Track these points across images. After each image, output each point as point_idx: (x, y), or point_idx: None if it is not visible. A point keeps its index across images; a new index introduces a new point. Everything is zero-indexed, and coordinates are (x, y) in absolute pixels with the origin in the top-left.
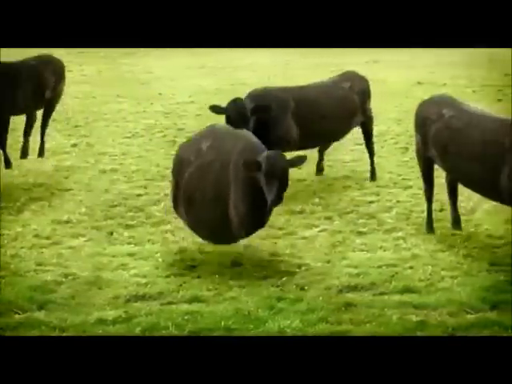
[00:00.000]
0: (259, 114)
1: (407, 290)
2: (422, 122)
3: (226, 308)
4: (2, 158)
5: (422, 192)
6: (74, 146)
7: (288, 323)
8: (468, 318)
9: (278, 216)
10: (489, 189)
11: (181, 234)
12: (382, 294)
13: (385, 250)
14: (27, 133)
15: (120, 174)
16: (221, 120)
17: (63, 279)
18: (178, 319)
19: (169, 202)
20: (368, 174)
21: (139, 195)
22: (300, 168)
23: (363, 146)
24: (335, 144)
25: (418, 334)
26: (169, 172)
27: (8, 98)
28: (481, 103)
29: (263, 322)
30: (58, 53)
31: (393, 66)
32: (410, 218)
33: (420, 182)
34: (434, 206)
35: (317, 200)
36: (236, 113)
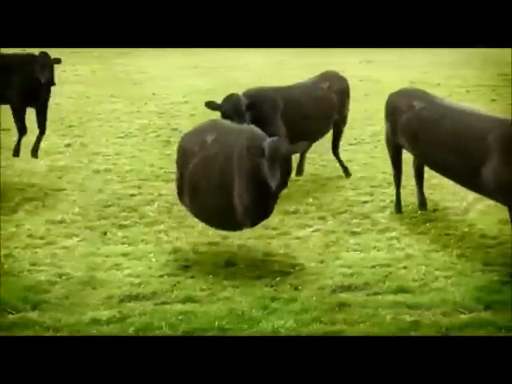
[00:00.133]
0: (254, 111)
1: (401, 290)
2: (392, 111)
3: (219, 308)
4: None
5: (415, 191)
6: (68, 145)
7: (282, 323)
8: (462, 318)
9: (271, 216)
10: (466, 179)
11: (174, 234)
12: (375, 294)
13: (378, 250)
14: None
15: (114, 174)
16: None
17: (57, 279)
18: (171, 319)
19: (162, 202)
20: (362, 174)
21: (133, 195)
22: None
23: (357, 146)
24: (328, 144)
25: (412, 334)
26: (162, 172)
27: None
28: (475, 103)
29: (257, 321)
30: (52, 53)
31: (386, 65)
32: (403, 218)
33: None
34: (428, 206)
35: (310, 200)
36: (231, 108)
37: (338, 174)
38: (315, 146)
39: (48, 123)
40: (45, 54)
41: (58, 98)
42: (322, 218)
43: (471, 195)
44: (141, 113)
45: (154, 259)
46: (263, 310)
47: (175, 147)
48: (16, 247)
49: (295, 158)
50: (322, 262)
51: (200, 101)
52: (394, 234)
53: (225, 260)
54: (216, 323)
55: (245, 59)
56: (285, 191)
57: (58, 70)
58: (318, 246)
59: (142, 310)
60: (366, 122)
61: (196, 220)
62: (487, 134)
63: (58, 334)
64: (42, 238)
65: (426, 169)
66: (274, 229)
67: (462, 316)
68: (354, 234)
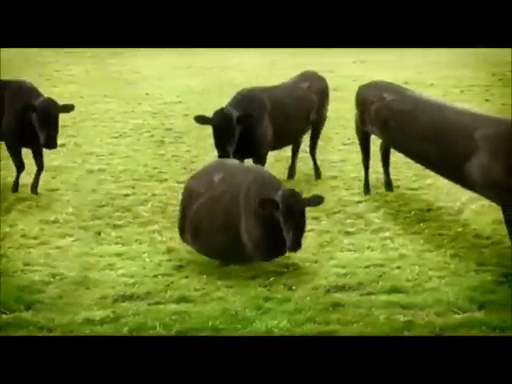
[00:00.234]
0: (244, 123)
1: (394, 290)
2: (362, 102)
3: (213, 308)
4: None
5: (409, 192)
6: (62, 146)
7: (275, 323)
8: (455, 318)
9: None
10: (448, 171)
11: (168, 234)
12: (369, 294)
13: (372, 250)
14: None
15: (107, 174)
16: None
17: (51, 279)
18: (165, 319)
19: (156, 202)
20: (355, 174)
21: (126, 195)
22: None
23: (351, 146)
24: (322, 143)
25: (406, 333)
26: (156, 172)
27: None
28: (469, 103)
29: (251, 322)
30: (46, 53)
31: (380, 66)
32: (397, 218)
33: (408, 183)
34: (422, 206)
35: None
36: (222, 123)
37: (332, 174)
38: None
39: None
40: (46, 103)
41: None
42: (316, 218)
43: (465, 195)
44: (135, 113)
45: (147, 259)
46: (257, 310)
47: (169, 147)
48: (10, 247)
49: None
50: (315, 262)
51: (194, 101)
52: (387, 234)
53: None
54: (210, 323)
55: (239, 59)
56: None
57: (51, 70)
58: (312, 246)
59: (135, 310)
60: None
61: None
62: (474, 130)
63: (52, 334)
64: (35, 237)
65: (421, 170)
66: None
67: (456, 316)
68: (347, 234)
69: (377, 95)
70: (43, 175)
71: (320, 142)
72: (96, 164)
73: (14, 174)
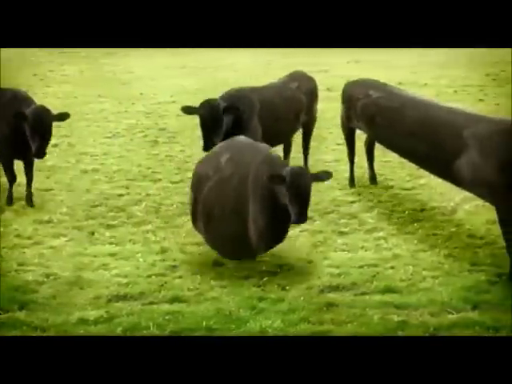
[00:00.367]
0: (231, 114)
1: (388, 290)
2: (348, 98)
3: (207, 308)
4: None
5: (403, 192)
6: (55, 146)
7: (269, 323)
8: (449, 318)
9: None
10: (437, 168)
11: (162, 234)
12: (363, 294)
13: (366, 250)
14: None
15: (101, 173)
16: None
17: (44, 279)
18: (159, 319)
19: (150, 202)
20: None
21: (120, 195)
22: None
23: (344, 146)
24: (316, 143)
25: (400, 334)
26: (150, 172)
27: None
28: (462, 103)
29: (244, 322)
30: (40, 53)
31: (374, 66)
32: (391, 217)
33: (402, 183)
34: (415, 206)
35: None
36: (208, 113)
37: None
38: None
39: None
40: (39, 112)
41: (45, 98)
42: (310, 218)
43: (459, 195)
44: (128, 113)
45: (141, 259)
46: (251, 310)
47: (163, 147)
48: (3, 247)
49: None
50: (309, 262)
51: (188, 101)
52: (381, 233)
53: (212, 260)
54: (203, 323)
55: (232, 59)
56: None
57: (45, 70)
58: (306, 246)
59: (129, 310)
60: None
61: (184, 220)
62: (462, 129)
63: (46, 334)
64: (29, 237)
65: (415, 170)
66: None
67: (450, 316)
68: (341, 234)
69: (363, 92)
70: (37, 176)
71: (314, 142)
72: (90, 164)
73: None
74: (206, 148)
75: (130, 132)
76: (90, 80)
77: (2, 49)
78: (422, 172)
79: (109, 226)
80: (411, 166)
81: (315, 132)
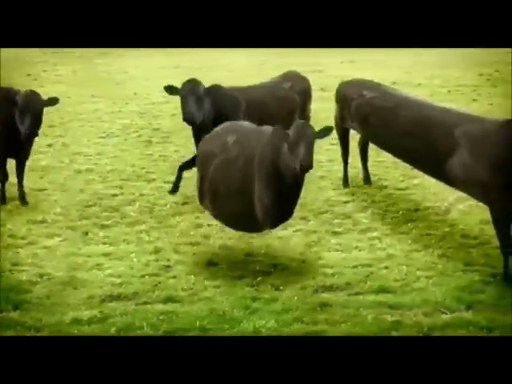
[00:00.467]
0: (213, 96)
1: (382, 290)
2: (342, 99)
3: (200, 308)
4: None
5: (397, 192)
6: (49, 146)
7: (263, 323)
8: (443, 318)
9: None
10: (430, 167)
11: (156, 234)
12: (357, 293)
13: (360, 250)
14: None
15: (95, 173)
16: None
17: (38, 279)
18: (152, 319)
19: (143, 202)
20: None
21: (114, 195)
22: None
23: (338, 146)
24: None
25: (393, 334)
26: (144, 172)
27: None
28: (456, 103)
29: (238, 321)
30: (33, 53)
31: (368, 66)
32: (385, 217)
33: (396, 183)
34: (409, 206)
35: None
36: (190, 91)
37: (319, 174)
38: None
39: None
40: (28, 95)
41: None
42: (304, 218)
43: (452, 195)
44: (122, 113)
45: (135, 259)
46: (244, 309)
47: (157, 147)
48: None
49: None
50: (303, 261)
51: None
52: (375, 234)
53: (206, 260)
54: (197, 323)
55: (227, 59)
56: None
57: (39, 70)
58: (300, 246)
59: (123, 310)
60: None
61: (177, 220)
62: (454, 128)
63: (39, 334)
64: (23, 237)
65: (409, 170)
66: None
67: (444, 316)
68: (335, 234)
69: (357, 92)
70: (30, 175)
71: None
72: (84, 164)
73: None
74: (187, 114)
75: (124, 132)
76: (84, 80)
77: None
78: (416, 172)
79: (103, 226)
80: (405, 166)
81: None
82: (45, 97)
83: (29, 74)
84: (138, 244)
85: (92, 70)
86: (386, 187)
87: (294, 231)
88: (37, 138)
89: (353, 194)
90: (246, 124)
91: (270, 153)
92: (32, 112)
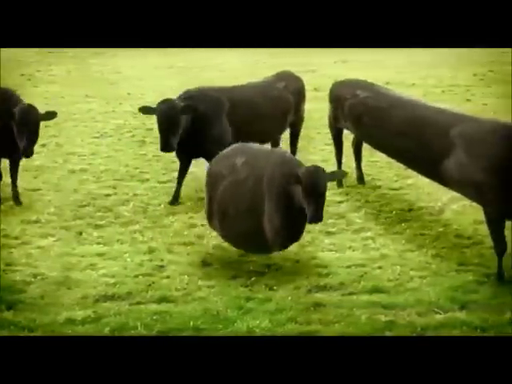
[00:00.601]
0: (189, 114)
1: (376, 290)
2: (335, 99)
3: (194, 308)
4: None
5: (391, 192)
6: (43, 146)
7: (257, 323)
8: (437, 318)
9: None
10: (422, 166)
11: (149, 234)
12: (350, 293)
13: (354, 250)
14: None
15: (89, 173)
16: None
17: (32, 279)
18: (146, 319)
19: (137, 202)
20: None
21: (108, 195)
22: None
23: (332, 146)
24: (304, 143)
25: (387, 333)
26: (138, 172)
27: None
28: (450, 103)
29: (232, 321)
30: (27, 53)
31: (362, 66)
32: (378, 217)
33: (390, 183)
34: (403, 206)
35: None
36: (165, 113)
37: None
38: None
39: None
40: (25, 111)
41: (32, 98)
42: None
43: (446, 195)
44: (116, 113)
45: (129, 259)
46: (238, 310)
47: (150, 147)
48: None
49: None
50: (297, 261)
51: None
52: (369, 233)
53: (200, 260)
54: (191, 323)
55: (220, 59)
56: None
57: (33, 70)
58: (294, 246)
59: (117, 310)
60: None
61: (171, 220)
62: (449, 128)
63: (33, 334)
64: (17, 237)
65: (403, 170)
66: None
67: (437, 316)
68: (329, 233)
69: (350, 92)
70: (24, 175)
71: (302, 142)
72: (77, 164)
73: None
74: (164, 147)
75: (118, 132)
76: (78, 80)
77: None
78: (410, 172)
79: (96, 226)
80: (399, 166)
81: (303, 132)
82: (40, 97)
83: (23, 74)
84: (131, 244)
85: (86, 70)
86: (379, 187)
87: None
88: None
89: (347, 194)
90: (255, 146)
91: (281, 176)
92: (29, 128)
